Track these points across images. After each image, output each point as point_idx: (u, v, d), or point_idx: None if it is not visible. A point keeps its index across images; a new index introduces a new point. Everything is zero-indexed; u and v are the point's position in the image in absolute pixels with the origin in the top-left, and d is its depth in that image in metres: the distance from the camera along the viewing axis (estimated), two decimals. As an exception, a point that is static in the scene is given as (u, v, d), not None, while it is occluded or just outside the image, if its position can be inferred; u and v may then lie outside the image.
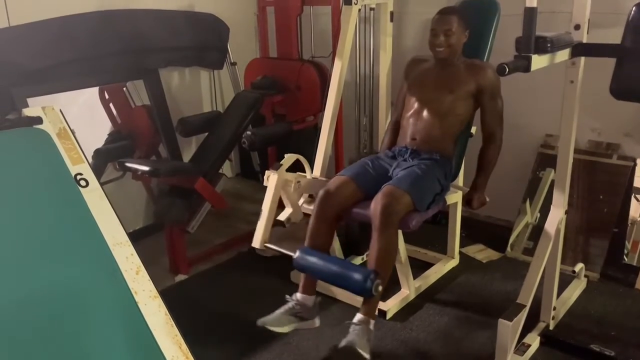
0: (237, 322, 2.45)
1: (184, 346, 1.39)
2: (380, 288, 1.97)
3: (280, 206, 2.43)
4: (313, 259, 2.10)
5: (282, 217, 2.41)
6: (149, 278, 1.43)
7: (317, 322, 2.20)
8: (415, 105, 2.38)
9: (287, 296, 2.19)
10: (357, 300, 2.46)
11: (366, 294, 2.00)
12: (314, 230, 2.22)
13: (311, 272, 2.15)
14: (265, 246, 2.38)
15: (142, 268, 1.43)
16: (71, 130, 1.49)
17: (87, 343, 1.26)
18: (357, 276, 1.97)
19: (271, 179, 2.36)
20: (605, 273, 2.69)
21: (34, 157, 1.40)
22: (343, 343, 1.97)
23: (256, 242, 2.39)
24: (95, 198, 1.42)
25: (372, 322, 2.04)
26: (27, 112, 1.43)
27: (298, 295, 2.18)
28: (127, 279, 1.38)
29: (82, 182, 1.43)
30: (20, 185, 1.35)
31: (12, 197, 1.33)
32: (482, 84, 2.30)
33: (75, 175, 1.43)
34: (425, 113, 2.35)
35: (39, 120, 1.43)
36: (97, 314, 1.30)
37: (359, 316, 2.03)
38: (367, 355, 1.94)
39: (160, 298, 1.42)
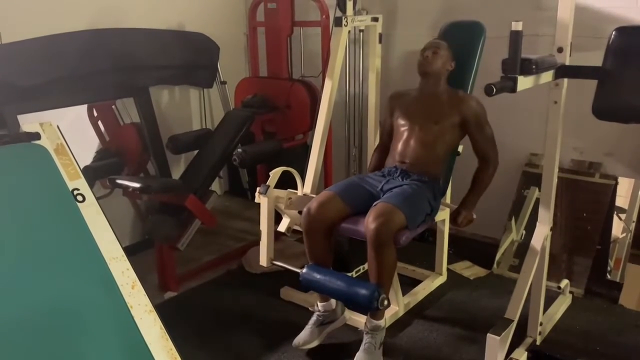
0: (227, 340, 2.45)
1: (179, 360, 1.40)
2: (385, 302, 2.07)
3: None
4: (317, 276, 2.18)
5: (282, 228, 2.45)
6: (144, 292, 1.45)
7: (344, 318, 2.40)
8: (404, 134, 2.43)
9: (310, 308, 2.39)
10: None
11: (373, 311, 2.16)
12: (308, 247, 2.29)
13: (317, 289, 2.24)
14: (273, 263, 2.43)
15: (138, 282, 1.44)
16: (68, 146, 1.51)
17: (83, 357, 1.26)
18: (363, 295, 2.05)
19: (262, 202, 2.39)
20: (590, 289, 2.74)
21: (32, 173, 1.41)
22: None
23: (263, 261, 2.44)
24: (92, 213, 1.44)
25: (383, 320, 2.23)
26: (25, 127, 1.45)
27: (320, 305, 2.35)
28: (123, 293, 1.39)
29: (79, 197, 1.44)
30: (18, 200, 1.36)
31: (10, 212, 1.34)
32: (466, 115, 2.36)
33: (73, 190, 1.44)
34: (413, 141, 2.39)
35: (36, 136, 1.45)
36: (94, 328, 1.31)
37: (372, 322, 2.21)
38: None
39: (155, 312, 1.43)
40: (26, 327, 1.23)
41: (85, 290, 1.34)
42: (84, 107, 3.13)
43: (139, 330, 1.35)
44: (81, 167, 3.02)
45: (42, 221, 1.36)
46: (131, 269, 1.45)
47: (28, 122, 1.50)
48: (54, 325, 1.27)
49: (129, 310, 1.36)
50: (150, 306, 1.43)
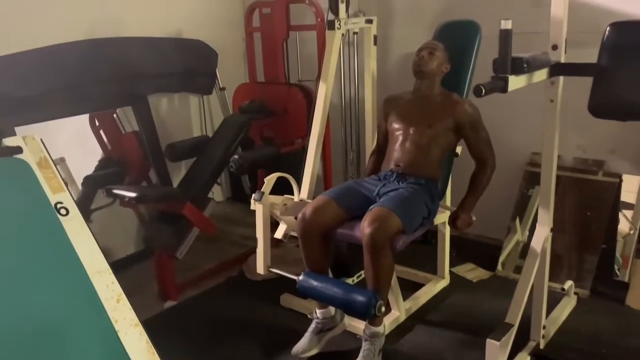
0: (227, 348, 2.43)
1: (165, 374, 1.38)
2: (383, 309, 2.05)
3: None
4: (314, 283, 2.16)
5: (279, 234, 2.43)
6: (130, 306, 1.42)
7: (344, 324, 2.38)
8: (398, 137, 2.40)
9: (309, 315, 2.36)
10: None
11: (371, 317, 2.13)
12: (304, 253, 2.27)
13: (314, 296, 2.21)
14: (270, 270, 2.42)
15: (123, 296, 1.42)
16: (52, 159, 1.50)
17: (65, 373, 1.25)
18: (360, 302, 2.02)
19: (257, 209, 2.37)
20: (595, 290, 2.69)
21: (13, 188, 1.40)
22: None
23: (260, 268, 2.43)
24: (75, 226, 1.42)
25: (382, 326, 2.21)
26: (8, 141, 1.44)
27: (318, 313, 2.32)
28: (107, 307, 1.37)
29: (63, 211, 1.42)
30: (-2, 215, 1.35)
31: (-10, 228, 1.33)
32: (460, 120, 2.32)
33: (56, 204, 1.42)
34: (408, 144, 2.36)
35: (18, 150, 1.44)
36: (76, 343, 1.29)
37: (370, 329, 2.19)
38: None
39: (141, 326, 1.41)
40: (7, 344, 1.22)
41: (67, 306, 1.32)
42: (87, 116, 3.14)
43: (122, 345, 1.33)
44: (83, 177, 3.08)
45: (22, 236, 1.35)
46: (116, 282, 1.43)
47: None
48: (35, 342, 1.25)
49: (113, 325, 1.34)
50: (136, 320, 1.41)
